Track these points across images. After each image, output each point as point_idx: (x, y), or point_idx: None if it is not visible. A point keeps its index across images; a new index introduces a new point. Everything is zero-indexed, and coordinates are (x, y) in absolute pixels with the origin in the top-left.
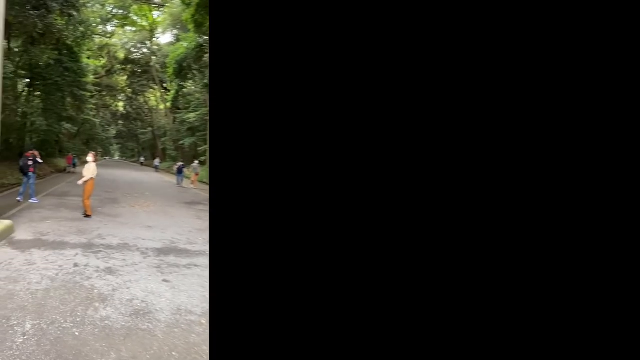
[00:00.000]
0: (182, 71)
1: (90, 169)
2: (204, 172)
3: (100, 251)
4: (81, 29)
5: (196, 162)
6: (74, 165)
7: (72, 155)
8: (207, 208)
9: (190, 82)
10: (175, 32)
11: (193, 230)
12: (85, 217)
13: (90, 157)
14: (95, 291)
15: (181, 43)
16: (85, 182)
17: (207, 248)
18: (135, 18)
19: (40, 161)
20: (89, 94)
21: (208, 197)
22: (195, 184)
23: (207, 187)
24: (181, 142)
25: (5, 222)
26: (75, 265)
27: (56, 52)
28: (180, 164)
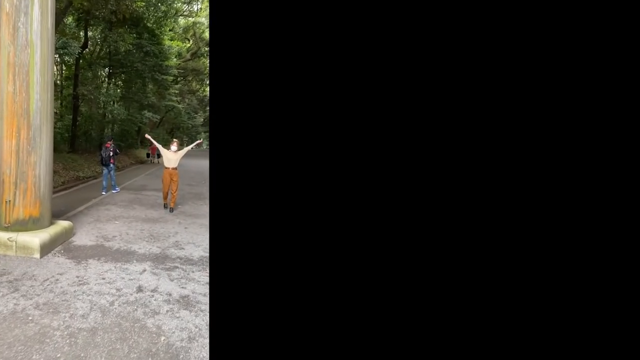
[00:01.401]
0: None
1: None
2: None
3: (176, 267)
4: (163, 8)
5: None
6: (158, 156)
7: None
8: None
9: None
10: None
11: None
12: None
13: (173, 147)
14: (162, 339)
15: None
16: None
17: None
18: None
19: (118, 152)
20: (171, 78)
21: None
22: None
23: None
24: None
25: (63, 224)
26: (139, 289)
27: (134, 35)
28: None
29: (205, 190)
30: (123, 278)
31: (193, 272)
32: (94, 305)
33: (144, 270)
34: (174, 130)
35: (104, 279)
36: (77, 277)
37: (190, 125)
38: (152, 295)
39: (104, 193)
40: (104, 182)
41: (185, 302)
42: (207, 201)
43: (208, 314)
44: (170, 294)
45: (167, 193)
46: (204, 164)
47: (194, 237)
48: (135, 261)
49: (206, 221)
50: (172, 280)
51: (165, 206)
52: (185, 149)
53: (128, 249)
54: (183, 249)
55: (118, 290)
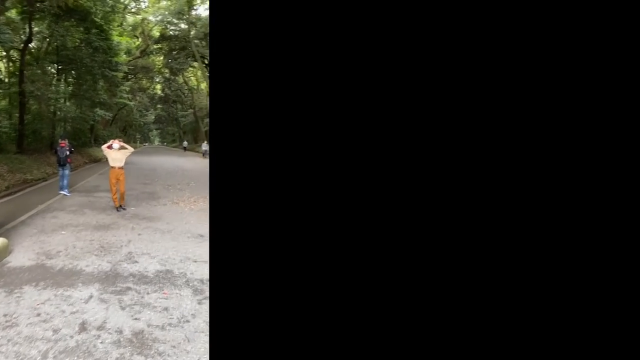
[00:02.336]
0: None
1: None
2: None
3: (128, 289)
4: (110, 2)
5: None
6: None
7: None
8: None
9: None
10: None
11: None
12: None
13: (116, 144)
14: None
15: None
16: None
17: None
18: None
19: (72, 150)
20: (121, 75)
21: None
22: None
23: None
24: None
25: None
26: (83, 327)
27: (82, 30)
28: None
29: (159, 188)
30: (64, 312)
31: (148, 293)
32: (24, 359)
33: (90, 297)
34: (127, 128)
35: (39, 315)
36: (5, 315)
37: (142, 123)
38: (98, 336)
39: (65, 193)
40: (64, 181)
41: (140, 341)
42: (162, 201)
43: (168, 356)
44: (120, 331)
45: (116, 193)
46: (160, 160)
47: (148, 247)
48: (80, 284)
49: (161, 225)
50: (123, 309)
51: (117, 209)
52: (131, 149)
53: (74, 267)
54: (137, 262)
55: (55, 332)
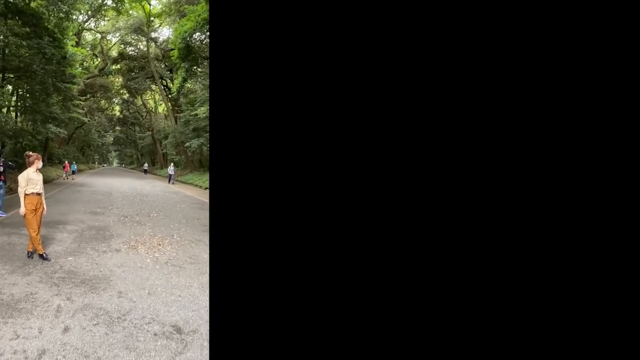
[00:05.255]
0: (190, 53)
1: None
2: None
3: None
4: (64, 8)
5: (171, 165)
6: (73, 173)
7: (68, 163)
8: None
9: (200, 68)
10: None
11: None
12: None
13: (37, 163)
14: None
15: (188, 17)
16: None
17: None
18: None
19: (13, 166)
20: (75, 87)
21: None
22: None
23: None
24: (187, 145)
25: None
26: None
27: (28, 30)
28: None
29: (112, 221)
30: None
31: None
32: None
33: None
34: (85, 148)
35: None
36: None
37: (100, 144)
38: None
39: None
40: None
41: None
42: (114, 243)
43: None
44: None
45: (37, 233)
46: (117, 183)
47: None
48: None
49: (109, 301)
50: None
51: (32, 255)
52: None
53: None
54: None
55: None
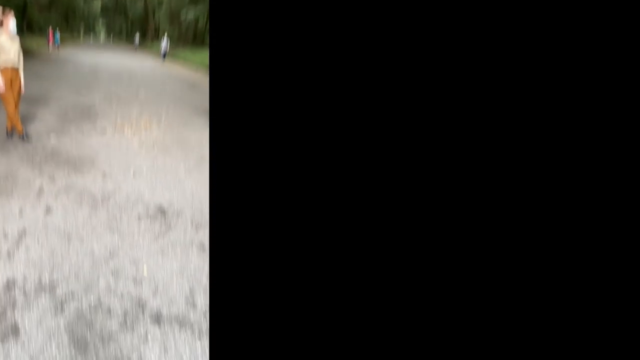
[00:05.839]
0: None
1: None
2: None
3: None
4: None
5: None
6: (57, 44)
7: (52, 30)
8: None
9: None
10: None
11: None
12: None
13: (12, 23)
14: None
15: None
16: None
17: None
18: None
19: None
20: None
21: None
22: None
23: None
24: (182, 16)
25: None
26: None
27: None
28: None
29: (98, 100)
30: None
31: None
32: None
33: None
34: (69, 16)
35: None
36: None
37: (86, 11)
38: None
39: None
40: None
41: None
42: (100, 123)
43: None
44: None
45: (15, 110)
46: (105, 60)
47: (58, 251)
48: None
49: (93, 181)
50: None
51: (12, 135)
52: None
53: None
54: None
55: None
